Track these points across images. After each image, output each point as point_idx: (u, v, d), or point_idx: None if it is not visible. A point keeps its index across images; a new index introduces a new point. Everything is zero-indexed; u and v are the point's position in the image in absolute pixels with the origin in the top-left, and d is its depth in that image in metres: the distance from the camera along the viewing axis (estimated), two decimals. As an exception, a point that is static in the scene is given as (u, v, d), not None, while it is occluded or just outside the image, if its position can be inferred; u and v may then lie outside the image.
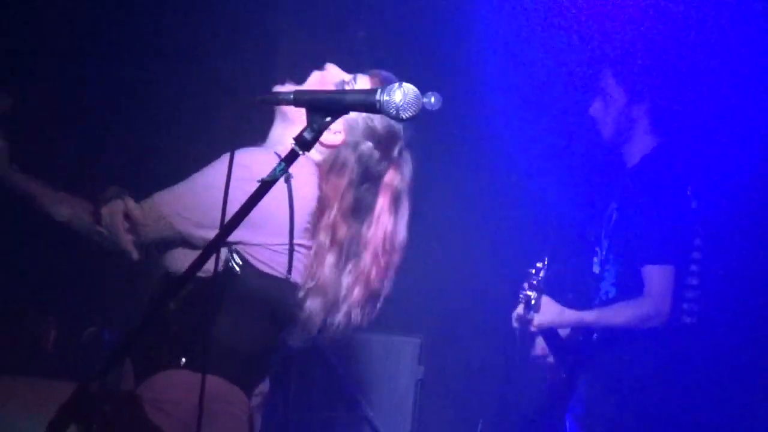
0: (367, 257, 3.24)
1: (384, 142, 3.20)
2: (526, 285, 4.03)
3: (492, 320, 5.50)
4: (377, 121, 3.17)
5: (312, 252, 3.11)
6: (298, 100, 2.41)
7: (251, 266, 2.99)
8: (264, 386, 3.18)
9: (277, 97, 2.46)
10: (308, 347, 5.37)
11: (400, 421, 5.63)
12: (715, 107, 4.55)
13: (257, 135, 3.21)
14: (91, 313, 5.04)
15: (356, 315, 3.32)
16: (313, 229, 3.11)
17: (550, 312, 4.00)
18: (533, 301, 3.99)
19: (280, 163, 2.35)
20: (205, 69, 5.38)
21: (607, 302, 4.10)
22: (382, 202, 3.26)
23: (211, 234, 2.76)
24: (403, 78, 2.41)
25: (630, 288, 3.99)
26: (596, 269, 4.22)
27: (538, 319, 4.01)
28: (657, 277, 3.92)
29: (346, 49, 5.53)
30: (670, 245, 3.96)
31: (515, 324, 4.10)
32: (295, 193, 3.00)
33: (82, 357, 4.81)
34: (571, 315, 4.02)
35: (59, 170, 4.89)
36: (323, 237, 3.11)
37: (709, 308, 4.14)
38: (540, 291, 4.00)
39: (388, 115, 2.31)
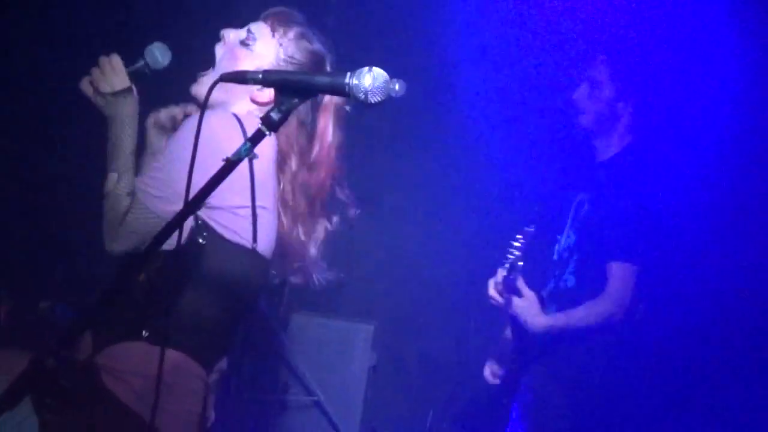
0: (321, 173, 3.23)
1: (314, 68, 3.18)
2: (512, 248, 4.03)
3: (446, 308, 5.54)
4: (296, 52, 3.17)
5: (276, 213, 3.11)
6: (266, 80, 2.40)
7: (217, 236, 2.97)
8: (222, 364, 3.17)
9: (245, 77, 2.44)
10: (261, 329, 5.42)
11: (352, 407, 5.64)
12: (692, 109, 4.57)
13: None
14: (45, 287, 5.02)
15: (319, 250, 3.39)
16: (277, 186, 3.13)
17: (529, 310, 4.02)
18: (520, 263, 4.00)
19: (245, 143, 2.34)
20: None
21: (564, 291, 4.11)
22: (324, 122, 3.26)
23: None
24: (372, 63, 2.41)
25: (590, 279, 4.01)
26: (555, 256, 4.23)
27: (517, 306, 4.03)
28: (619, 274, 3.94)
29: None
30: (636, 243, 3.97)
31: (496, 288, 4.10)
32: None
33: (35, 330, 4.80)
34: (544, 320, 4.01)
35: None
36: (288, 190, 3.11)
37: (661, 305, 4.16)
38: (523, 257, 4.01)
39: (357, 98, 2.30)
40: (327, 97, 3.23)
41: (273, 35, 3.18)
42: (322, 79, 2.37)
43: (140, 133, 3.13)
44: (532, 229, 4.07)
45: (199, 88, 3.17)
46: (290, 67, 3.14)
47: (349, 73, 2.31)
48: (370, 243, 6.00)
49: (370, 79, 2.29)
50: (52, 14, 5.06)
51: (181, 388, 2.92)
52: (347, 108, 4.54)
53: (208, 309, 3.00)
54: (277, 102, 2.36)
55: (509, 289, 4.06)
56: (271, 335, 5.63)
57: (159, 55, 3.12)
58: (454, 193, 5.76)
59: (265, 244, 3.09)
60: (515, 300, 4.05)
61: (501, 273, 4.10)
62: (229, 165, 2.34)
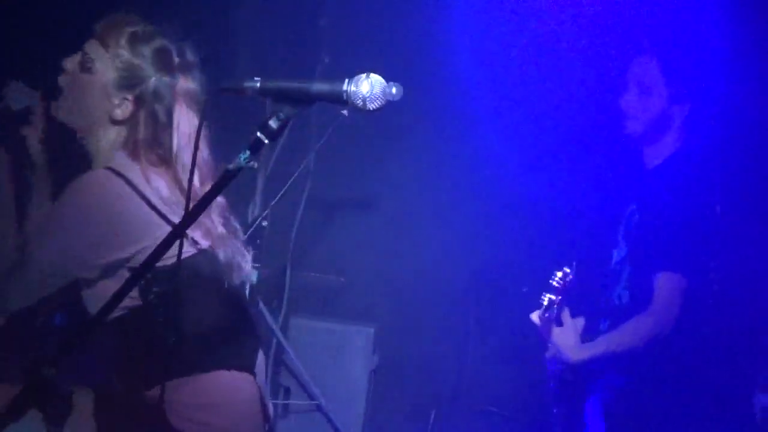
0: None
1: (163, 62, 3.11)
2: (550, 288, 3.90)
3: (446, 310, 5.54)
4: (132, 57, 3.08)
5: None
6: (264, 89, 2.39)
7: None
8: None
9: (242, 86, 2.43)
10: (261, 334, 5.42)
11: (354, 410, 5.65)
12: (747, 111, 4.46)
13: (226, 123, 3.19)
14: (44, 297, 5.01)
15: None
16: None
17: (565, 341, 3.88)
18: (555, 306, 3.89)
19: (244, 151, 2.34)
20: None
21: (619, 307, 3.95)
22: (180, 110, 3.11)
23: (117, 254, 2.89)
24: (369, 68, 2.40)
25: (643, 293, 3.81)
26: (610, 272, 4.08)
27: (555, 337, 3.89)
28: (667, 285, 3.75)
29: (308, 39, 5.53)
30: (686, 252, 3.78)
31: (536, 321, 3.99)
32: None
33: (33, 340, 4.79)
34: (582, 354, 3.84)
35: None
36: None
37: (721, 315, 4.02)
38: (562, 295, 3.89)
39: (355, 105, 2.30)
40: (179, 85, 3.12)
41: (106, 50, 3.07)
42: (319, 87, 2.35)
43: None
44: (572, 269, 3.91)
45: (59, 112, 3.13)
46: (130, 74, 3.07)
47: (347, 80, 2.30)
48: (369, 246, 6.00)
49: (368, 86, 2.28)
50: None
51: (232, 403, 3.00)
52: (344, 112, 4.53)
53: (220, 317, 3.04)
54: (275, 110, 2.36)
55: (548, 322, 3.94)
56: (271, 340, 5.63)
57: None
58: (453, 195, 5.75)
59: (205, 243, 3.08)
60: (555, 332, 3.91)
61: (535, 315, 3.99)
62: (229, 175, 2.34)
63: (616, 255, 4.04)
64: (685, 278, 3.77)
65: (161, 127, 3.06)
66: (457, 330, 5.64)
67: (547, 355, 4.13)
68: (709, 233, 3.85)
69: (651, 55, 4.00)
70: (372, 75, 2.30)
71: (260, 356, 3.20)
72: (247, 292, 4.96)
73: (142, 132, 3.04)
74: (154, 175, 3.00)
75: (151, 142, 3.04)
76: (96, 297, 3.00)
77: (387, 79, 2.34)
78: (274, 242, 4.98)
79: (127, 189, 2.94)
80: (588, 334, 4.05)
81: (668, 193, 3.83)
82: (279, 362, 5.70)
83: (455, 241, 5.69)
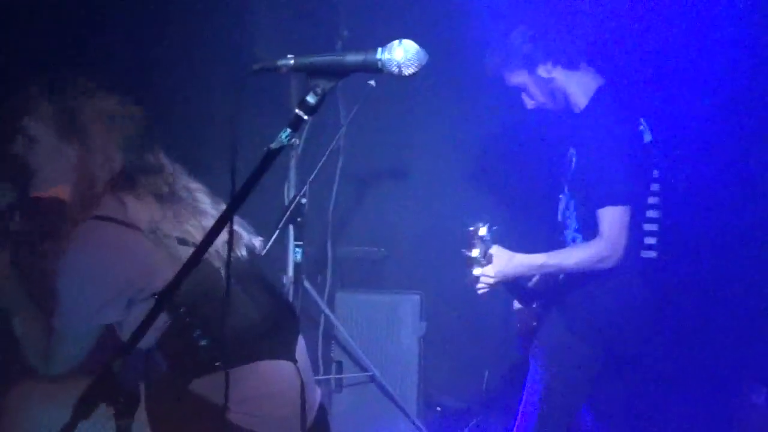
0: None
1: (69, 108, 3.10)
2: (470, 244, 3.95)
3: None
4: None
5: None
6: (298, 66, 2.39)
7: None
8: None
9: (276, 65, 2.42)
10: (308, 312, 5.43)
11: (407, 378, 5.67)
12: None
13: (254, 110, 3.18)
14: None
15: None
16: None
17: (499, 261, 3.92)
18: (481, 259, 3.93)
19: (285, 130, 2.34)
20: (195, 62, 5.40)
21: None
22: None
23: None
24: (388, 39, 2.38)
25: (594, 233, 3.88)
26: (559, 216, 4.19)
27: (492, 270, 3.92)
28: (609, 217, 3.82)
29: (325, 14, 5.52)
30: (623, 184, 3.85)
31: (469, 284, 4.04)
32: None
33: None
34: (521, 259, 3.90)
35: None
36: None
37: (669, 241, 4.10)
38: (487, 244, 3.92)
39: (390, 72, 2.29)
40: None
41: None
42: (353, 58, 2.33)
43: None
44: (483, 225, 3.99)
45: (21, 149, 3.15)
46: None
47: (380, 49, 2.30)
48: (407, 215, 6.00)
49: (402, 52, 2.27)
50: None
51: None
52: (372, 83, 4.53)
53: (254, 309, 3.11)
54: (312, 86, 2.35)
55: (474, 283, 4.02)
56: (319, 316, 5.65)
57: None
58: (492, 160, 5.72)
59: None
60: (489, 269, 3.95)
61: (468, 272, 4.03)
62: (271, 154, 2.34)
63: (563, 200, 4.14)
64: (628, 209, 3.84)
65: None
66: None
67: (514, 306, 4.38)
68: (641, 161, 3.95)
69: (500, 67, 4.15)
70: (404, 41, 2.29)
71: (301, 341, 3.24)
72: (291, 270, 4.98)
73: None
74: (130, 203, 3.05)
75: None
76: (130, 326, 3.04)
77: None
78: (312, 219, 4.98)
79: (117, 228, 2.98)
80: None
81: (596, 130, 3.91)
82: (329, 337, 5.73)
83: (495, 204, 5.66)
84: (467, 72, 5.44)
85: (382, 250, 6.04)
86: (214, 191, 3.27)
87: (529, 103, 4.17)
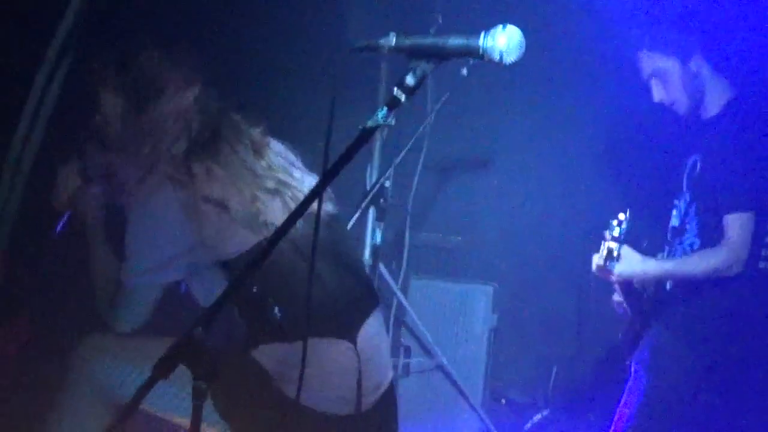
0: None
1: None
2: (607, 236, 3.92)
3: (565, 268, 5.49)
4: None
5: None
6: (399, 46, 2.38)
7: None
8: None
9: (377, 44, 2.42)
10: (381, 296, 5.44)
11: (474, 369, 5.66)
12: None
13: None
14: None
15: None
16: None
17: (631, 262, 3.91)
18: (615, 253, 3.90)
19: (381, 108, 2.34)
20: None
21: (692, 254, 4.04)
22: None
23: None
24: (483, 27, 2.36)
25: (714, 239, 3.90)
26: (675, 222, 4.15)
27: (619, 268, 3.91)
28: (736, 224, 3.82)
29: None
30: (749, 191, 3.85)
31: (595, 272, 4.02)
32: None
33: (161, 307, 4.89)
34: (651, 265, 3.93)
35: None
36: None
37: None
38: (621, 243, 3.90)
39: (491, 59, 2.27)
40: None
41: None
42: (455, 42, 2.31)
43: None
44: (627, 216, 3.93)
45: None
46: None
47: (482, 33, 2.27)
48: (486, 205, 5.97)
49: (505, 39, 2.25)
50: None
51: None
52: (464, 72, 4.50)
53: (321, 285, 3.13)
54: (412, 67, 2.34)
55: (607, 272, 3.97)
56: (392, 301, 5.66)
57: None
58: (571, 151, 5.68)
59: None
60: (616, 267, 3.93)
61: (597, 260, 3.98)
62: (366, 132, 2.34)
63: (681, 205, 4.11)
64: (753, 216, 3.83)
65: None
66: (577, 285, 5.58)
67: (613, 299, 4.28)
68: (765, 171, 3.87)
69: (642, 46, 4.06)
70: (509, 26, 2.27)
71: (373, 323, 3.23)
72: (368, 253, 4.99)
73: None
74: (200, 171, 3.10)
75: None
76: (200, 289, 3.13)
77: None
78: (392, 204, 4.98)
79: (185, 193, 3.05)
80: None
81: (729, 137, 3.89)
82: (399, 322, 5.72)
83: (574, 196, 5.63)
84: (561, 65, 5.41)
85: (459, 238, 6.03)
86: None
87: (659, 95, 4.08)
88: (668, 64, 4.02)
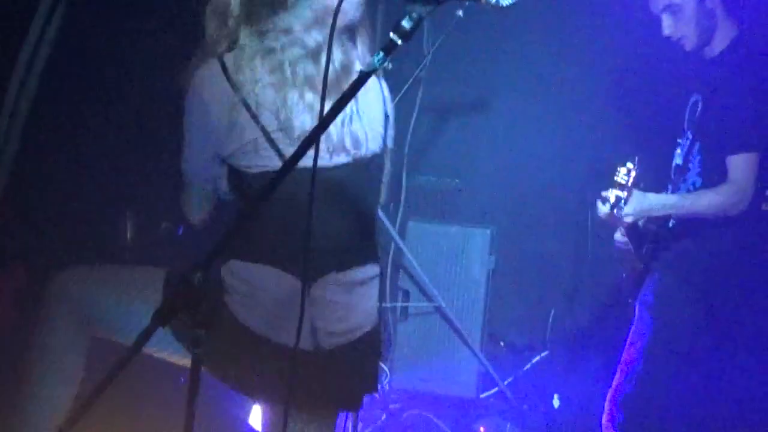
0: None
1: None
2: (616, 182, 3.90)
3: (563, 210, 5.50)
4: None
5: None
6: (394, -13, 2.37)
7: None
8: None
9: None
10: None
11: (472, 311, 5.68)
12: None
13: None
14: (167, 209, 5.10)
15: None
16: None
17: (639, 201, 3.88)
18: (623, 201, 3.89)
19: (378, 53, 2.33)
20: None
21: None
22: None
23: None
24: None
25: (716, 177, 3.91)
26: (678, 160, 4.14)
27: (628, 209, 3.88)
28: (740, 164, 3.84)
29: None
30: (754, 132, 3.85)
31: (604, 218, 4.00)
32: None
33: (158, 249, 4.90)
34: (654, 198, 3.92)
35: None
36: None
37: None
38: (630, 191, 3.89)
39: (488, 2, 2.26)
40: None
41: None
42: (450, -15, 2.32)
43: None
44: (635, 164, 3.91)
45: None
46: None
47: None
48: (483, 148, 5.97)
49: (501, -20, 2.25)
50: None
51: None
52: (459, 13, 4.48)
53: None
54: (408, 11, 2.32)
55: (617, 219, 3.97)
56: (389, 244, 5.66)
57: None
58: (570, 91, 5.65)
59: None
60: (627, 210, 3.90)
61: (603, 207, 3.96)
62: (363, 76, 2.33)
63: (684, 144, 4.11)
64: (757, 156, 3.86)
65: None
66: (574, 228, 5.60)
67: (616, 237, 4.23)
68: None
69: None
70: None
71: (347, 280, 3.17)
72: None
73: None
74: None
75: None
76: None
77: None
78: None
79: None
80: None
81: (733, 77, 3.89)
82: (397, 266, 5.74)
83: (570, 140, 5.62)
84: (558, 9, 5.37)
85: (457, 181, 6.02)
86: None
87: (670, 30, 4.03)
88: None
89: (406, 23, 2.32)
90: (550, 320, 5.70)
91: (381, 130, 3.24)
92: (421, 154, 5.95)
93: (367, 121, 3.19)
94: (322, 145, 2.98)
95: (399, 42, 2.33)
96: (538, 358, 5.70)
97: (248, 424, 4.28)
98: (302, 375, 2.97)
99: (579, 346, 5.40)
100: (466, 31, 5.00)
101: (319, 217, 2.99)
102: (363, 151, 3.16)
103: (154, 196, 5.18)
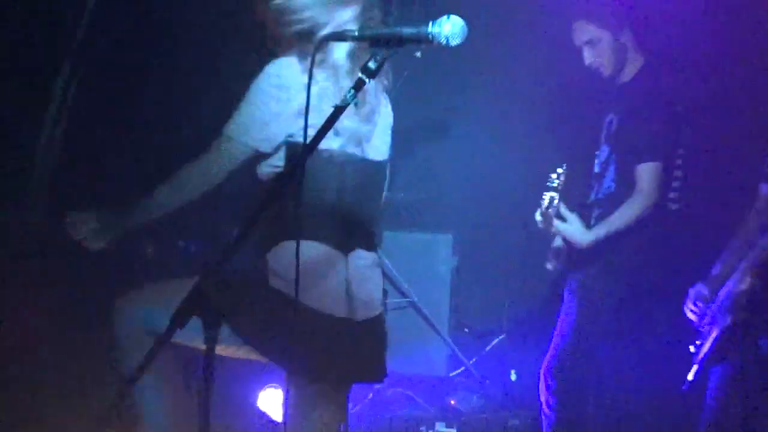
0: None
1: None
2: (549, 188, 3.97)
3: (514, 215, 5.49)
4: None
5: None
6: (362, 35, 2.40)
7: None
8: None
9: (344, 34, 2.43)
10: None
11: (440, 304, 5.71)
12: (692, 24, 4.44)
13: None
14: (181, 230, 5.09)
15: None
16: None
17: (574, 230, 3.98)
18: (555, 201, 3.95)
19: (350, 90, 2.36)
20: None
21: (609, 196, 4.08)
22: None
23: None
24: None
25: (627, 182, 3.96)
26: (597, 169, 4.19)
27: (562, 227, 3.99)
28: (647, 172, 3.89)
29: None
30: (658, 145, 3.92)
31: (538, 219, 4.06)
32: None
33: (175, 263, 4.90)
34: (589, 237, 3.96)
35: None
36: None
37: (691, 194, 4.08)
38: (558, 192, 3.95)
39: (439, 43, 2.30)
40: None
41: None
42: (408, 31, 2.36)
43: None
44: (564, 169, 4.02)
45: None
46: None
47: (431, 23, 2.31)
48: (445, 166, 5.96)
49: (450, 26, 2.30)
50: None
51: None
52: (418, 54, 4.46)
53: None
54: (373, 53, 2.36)
55: (550, 218, 4.02)
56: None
57: None
58: (518, 114, 5.61)
59: None
60: (561, 225, 4.00)
61: (539, 213, 4.05)
62: (339, 110, 2.36)
63: (601, 155, 4.14)
64: (661, 165, 3.91)
65: None
66: (524, 230, 5.59)
67: (553, 245, 4.31)
68: (675, 127, 3.96)
69: (580, 17, 4.08)
70: (452, 17, 2.32)
71: (366, 255, 3.13)
72: None
73: None
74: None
75: None
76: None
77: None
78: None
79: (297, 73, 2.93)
80: (584, 221, 4.12)
81: (641, 100, 3.96)
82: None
83: (517, 155, 5.59)
84: (507, 41, 5.36)
85: (423, 196, 6.04)
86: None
87: (590, 60, 4.09)
88: (603, 34, 4.04)
89: (371, 64, 2.36)
90: (506, 308, 5.71)
91: (390, 140, 3.28)
92: (392, 174, 5.91)
93: (382, 129, 3.22)
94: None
95: (367, 80, 2.37)
96: (496, 340, 5.71)
97: (257, 407, 4.27)
98: (338, 343, 2.96)
99: (530, 329, 5.41)
100: (425, 69, 5.02)
101: (354, 201, 3.05)
102: (381, 157, 3.21)
103: (170, 219, 5.17)
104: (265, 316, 2.91)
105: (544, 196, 3.97)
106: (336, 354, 2.98)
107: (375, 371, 3.16)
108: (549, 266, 4.37)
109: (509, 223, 5.65)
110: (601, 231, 3.98)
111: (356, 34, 2.39)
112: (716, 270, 3.61)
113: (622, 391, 4.02)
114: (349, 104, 2.35)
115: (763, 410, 3.36)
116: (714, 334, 3.46)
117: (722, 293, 3.47)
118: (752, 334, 3.38)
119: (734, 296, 3.40)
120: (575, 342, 4.02)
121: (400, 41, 2.37)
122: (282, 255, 2.94)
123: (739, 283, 3.38)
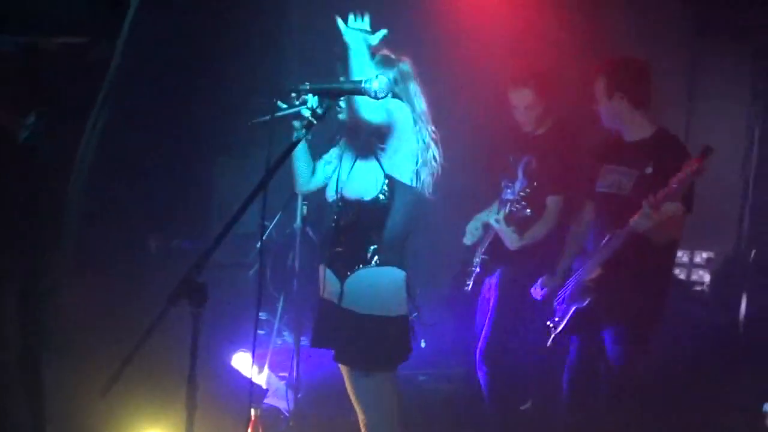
0: None
1: None
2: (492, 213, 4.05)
3: (439, 230, 5.19)
4: None
5: None
6: (312, 89, 2.38)
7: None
8: None
9: (298, 89, 2.41)
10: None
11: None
12: None
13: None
14: (177, 230, 4.97)
15: None
16: None
17: (511, 235, 3.92)
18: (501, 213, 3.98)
19: (301, 129, 2.33)
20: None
21: (523, 217, 3.95)
22: None
23: None
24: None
25: (538, 208, 3.91)
26: (512, 195, 4.03)
27: (506, 230, 3.92)
28: (552, 204, 3.90)
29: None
30: (561, 182, 3.89)
31: (493, 221, 3.99)
32: None
33: (173, 258, 4.76)
34: (520, 242, 3.91)
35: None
36: None
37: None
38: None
39: (369, 96, 2.30)
40: None
41: None
42: (347, 85, 2.40)
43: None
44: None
45: None
46: None
47: (363, 80, 2.34)
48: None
49: (378, 84, 2.32)
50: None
51: None
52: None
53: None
54: (320, 101, 2.34)
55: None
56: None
57: None
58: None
59: None
60: (505, 228, 3.93)
61: (493, 218, 4.00)
62: (293, 144, 2.33)
63: (518, 185, 4.05)
64: (563, 198, 3.90)
65: None
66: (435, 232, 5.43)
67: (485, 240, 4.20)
68: (578, 167, 3.90)
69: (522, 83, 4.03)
70: (380, 76, 2.35)
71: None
72: (299, 220, 4.71)
73: None
74: None
75: None
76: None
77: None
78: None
79: None
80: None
81: (551, 146, 3.93)
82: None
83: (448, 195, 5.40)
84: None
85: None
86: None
87: (521, 119, 4.03)
88: (536, 102, 3.99)
89: (319, 110, 2.35)
90: (417, 295, 5.58)
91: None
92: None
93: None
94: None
95: (315, 122, 2.35)
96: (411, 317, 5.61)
97: (231, 366, 4.16)
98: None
99: (437, 309, 5.36)
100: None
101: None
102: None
103: (170, 220, 5.00)
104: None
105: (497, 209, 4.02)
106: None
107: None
108: (467, 241, 4.28)
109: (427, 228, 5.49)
110: (524, 241, 3.95)
111: (308, 88, 2.36)
112: (559, 266, 3.72)
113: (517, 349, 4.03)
114: (301, 140, 2.32)
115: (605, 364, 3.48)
116: (571, 312, 3.49)
117: (571, 281, 3.54)
118: (599, 313, 3.44)
119: (585, 283, 3.45)
120: (497, 328, 3.96)
121: (341, 93, 2.38)
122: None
123: (590, 272, 3.43)
